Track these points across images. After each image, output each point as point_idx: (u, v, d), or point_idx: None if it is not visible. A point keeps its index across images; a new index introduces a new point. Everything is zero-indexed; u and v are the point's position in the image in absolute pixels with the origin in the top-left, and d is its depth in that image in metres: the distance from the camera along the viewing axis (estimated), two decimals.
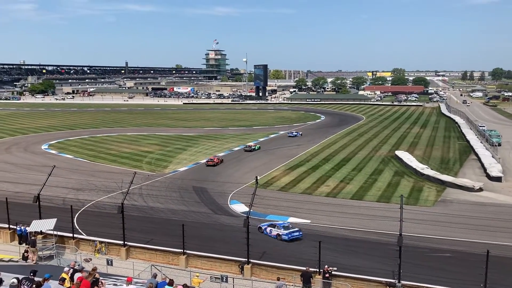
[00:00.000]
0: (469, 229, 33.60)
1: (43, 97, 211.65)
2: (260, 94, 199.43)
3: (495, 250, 26.35)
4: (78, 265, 20.26)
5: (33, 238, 28.17)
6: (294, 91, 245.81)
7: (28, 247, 28.09)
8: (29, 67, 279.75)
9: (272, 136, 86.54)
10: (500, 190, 46.16)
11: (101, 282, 18.20)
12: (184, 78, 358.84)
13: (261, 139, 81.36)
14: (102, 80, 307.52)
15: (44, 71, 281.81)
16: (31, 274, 17.08)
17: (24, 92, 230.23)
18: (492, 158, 57.51)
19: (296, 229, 33.26)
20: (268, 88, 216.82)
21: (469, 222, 34.95)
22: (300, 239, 32.58)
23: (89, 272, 18.77)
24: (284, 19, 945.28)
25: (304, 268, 24.10)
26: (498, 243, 30.91)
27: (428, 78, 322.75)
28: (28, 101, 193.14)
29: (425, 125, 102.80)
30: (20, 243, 30.35)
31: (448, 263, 28.16)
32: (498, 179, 49.13)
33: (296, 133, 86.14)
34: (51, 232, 29.22)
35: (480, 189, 45.20)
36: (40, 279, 16.53)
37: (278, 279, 23.09)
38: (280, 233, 32.86)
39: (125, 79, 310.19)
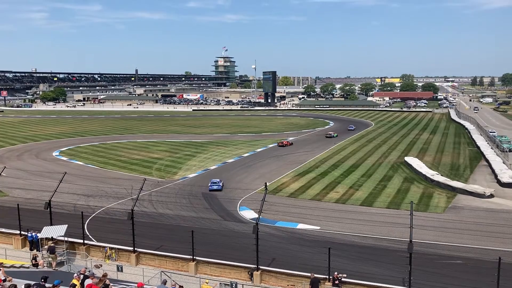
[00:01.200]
0: (480, 235, 33.28)
1: (55, 105, 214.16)
2: (269, 100, 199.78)
3: (507, 257, 26.10)
4: (89, 271, 20.42)
5: (52, 245, 28.39)
6: (302, 97, 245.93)
7: (36, 254, 28.33)
8: (41, 75, 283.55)
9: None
10: None
11: None
12: (194, 85, 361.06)
13: (270, 145, 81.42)
14: (113, 87, 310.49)
15: (55, 78, 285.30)
16: (42, 280, 17.25)
17: (35, 100, 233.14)
18: (503, 164, 56.99)
19: (219, 185, 48.93)
20: (277, 94, 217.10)
21: (480, 229, 34.64)
22: (220, 190, 48.31)
23: (99, 278, 18.92)
24: (293, 26, 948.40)
25: (309, 275, 24.04)
26: (510, 250, 30.59)
27: (437, 84, 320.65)
28: (39, 109, 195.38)
29: (435, 131, 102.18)
30: (31, 249, 30.61)
31: (459, 270, 27.88)
32: (509, 185, 48.61)
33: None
34: (62, 238, 29.44)
35: (491, 195, 44.79)
36: (51, 285, 16.70)
37: None
38: (209, 185, 49.05)
39: (135, 86, 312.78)
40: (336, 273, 24.20)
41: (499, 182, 50.17)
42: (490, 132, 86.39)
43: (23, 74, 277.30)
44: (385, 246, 32.60)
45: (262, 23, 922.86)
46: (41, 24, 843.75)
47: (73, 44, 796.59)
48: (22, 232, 31.89)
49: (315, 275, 23.81)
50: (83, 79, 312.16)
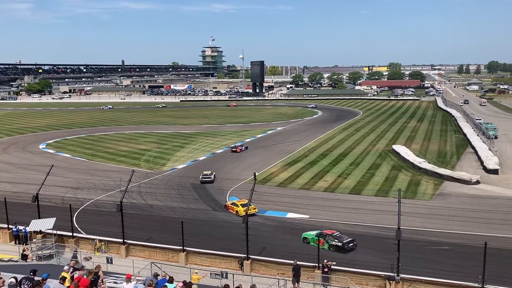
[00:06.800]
0: (466, 221, 33.78)
1: (40, 97, 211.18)
2: (257, 90, 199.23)
3: (493, 242, 26.47)
4: (78, 263, 20.36)
5: (75, 252, 28.05)
6: (291, 87, 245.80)
7: (26, 247, 28.10)
8: (25, 66, 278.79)
9: (269, 132, 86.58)
10: (497, 182, 46.34)
11: (102, 280, 18.26)
12: (181, 76, 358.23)
13: (259, 135, 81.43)
14: (99, 78, 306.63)
15: (40, 70, 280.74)
16: (31, 273, 17.11)
17: (20, 92, 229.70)
18: (488, 151, 57.67)
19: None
20: (265, 84, 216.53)
21: (466, 215, 35.16)
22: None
23: (89, 271, 18.85)
24: (281, 16, 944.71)
25: (293, 261, 24.20)
26: (495, 235, 31.04)
27: (424, 72, 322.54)
28: (25, 101, 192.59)
29: (422, 119, 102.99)
30: (16, 243, 30.33)
31: (446, 256, 28.29)
32: (495, 171, 49.31)
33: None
34: (51, 231, 29.24)
35: (477, 182, 45.38)
36: (40, 278, 16.58)
37: None
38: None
39: (121, 78, 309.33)
40: (325, 260, 24.43)
41: (485, 168, 50.83)
42: (476, 119, 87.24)
43: (7, 66, 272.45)
44: (373, 233, 32.95)
45: (249, 12, 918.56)
46: (25, 15, 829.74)
47: (58, 35, 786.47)
48: (10, 226, 31.62)
49: (298, 262, 24.00)
50: (68, 70, 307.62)
